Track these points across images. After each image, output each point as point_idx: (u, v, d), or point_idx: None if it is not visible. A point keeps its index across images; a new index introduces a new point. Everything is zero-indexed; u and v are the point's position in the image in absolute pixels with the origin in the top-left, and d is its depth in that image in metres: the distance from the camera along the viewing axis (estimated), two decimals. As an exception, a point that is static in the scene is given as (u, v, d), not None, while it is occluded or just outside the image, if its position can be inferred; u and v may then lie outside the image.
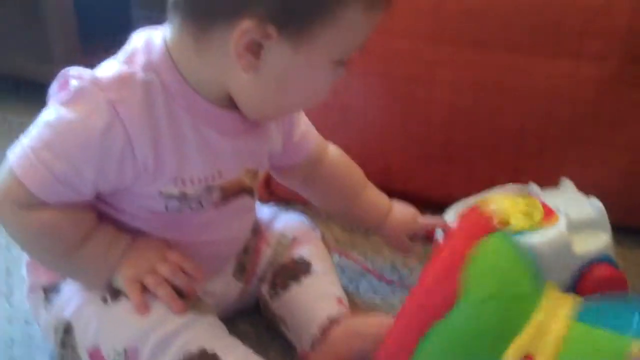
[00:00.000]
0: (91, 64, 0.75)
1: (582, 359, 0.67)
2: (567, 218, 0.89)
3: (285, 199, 1.15)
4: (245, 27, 0.68)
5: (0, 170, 0.73)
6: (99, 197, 0.76)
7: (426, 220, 0.96)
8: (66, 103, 0.71)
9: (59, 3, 1.53)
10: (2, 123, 1.53)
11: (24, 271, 0.86)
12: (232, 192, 0.82)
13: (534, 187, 0.98)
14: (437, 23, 1.06)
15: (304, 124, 0.93)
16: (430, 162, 1.11)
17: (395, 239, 0.97)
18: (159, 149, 0.73)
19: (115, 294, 0.77)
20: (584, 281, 0.89)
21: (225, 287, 0.89)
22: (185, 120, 0.74)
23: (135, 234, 0.79)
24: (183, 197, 0.77)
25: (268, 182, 1.14)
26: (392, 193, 1.09)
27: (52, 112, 0.72)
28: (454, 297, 0.70)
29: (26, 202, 0.73)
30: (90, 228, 0.77)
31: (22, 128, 0.73)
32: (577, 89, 1.03)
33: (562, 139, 1.05)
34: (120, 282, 0.77)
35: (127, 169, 0.73)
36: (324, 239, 0.97)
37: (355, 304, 0.94)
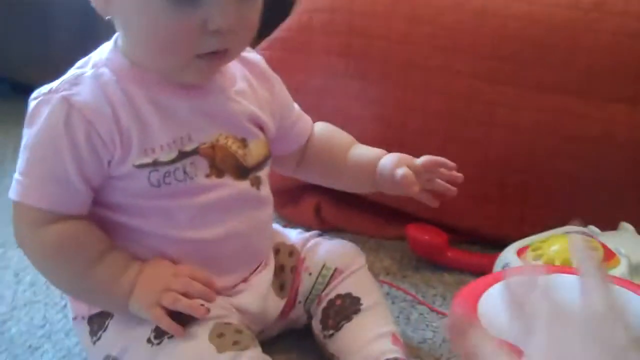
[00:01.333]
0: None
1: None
2: (628, 260, 0.90)
3: (336, 227, 1.16)
4: None
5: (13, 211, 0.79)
6: (95, 201, 0.79)
7: (425, 158, 0.91)
8: (29, 122, 0.77)
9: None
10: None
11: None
12: (224, 164, 0.82)
13: (593, 229, 0.98)
14: (496, 64, 1.08)
15: (296, 109, 0.96)
16: (485, 201, 1.12)
17: (391, 179, 0.90)
18: (121, 125, 0.77)
19: (159, 336, 0.78)
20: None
21: (263, 303, 0.88)
22: (139, 94, 0.78)
23: (138, 237, 0.81)
24: (157, 164, 0.78)
25: (319, 209, 1.16)
26: (445, 229, 1.11)
27: (24, 137, 0.78)
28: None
29: (41, 219, 0.77)
30: (105, 247, 0.79)
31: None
32: (632, 133, 1.04)
33: (619, 183, 1.06)
34: (138, 308, 0.79)
35: (99, 151, 0.77)
36: (370, 268, 0.95)
37: (406, 336, 0.94)
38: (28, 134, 0.78)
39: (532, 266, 0.85)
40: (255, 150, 0.85)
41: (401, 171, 0.87)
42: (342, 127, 0.98)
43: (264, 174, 0.87)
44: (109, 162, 0.77)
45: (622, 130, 1.04)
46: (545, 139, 1.08)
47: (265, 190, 0.87)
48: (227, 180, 0.82)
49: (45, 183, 0.76)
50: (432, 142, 1.11)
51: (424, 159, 0.90)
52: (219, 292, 0.82)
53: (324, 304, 0.90)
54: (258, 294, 0.87)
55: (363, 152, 0.96)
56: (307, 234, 0.97)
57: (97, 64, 0.79)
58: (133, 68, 0.79)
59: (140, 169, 0.77)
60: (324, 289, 0.91)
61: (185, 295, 0.77)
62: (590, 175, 1.07)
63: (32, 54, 1.85)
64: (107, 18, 0.78)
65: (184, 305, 0.76)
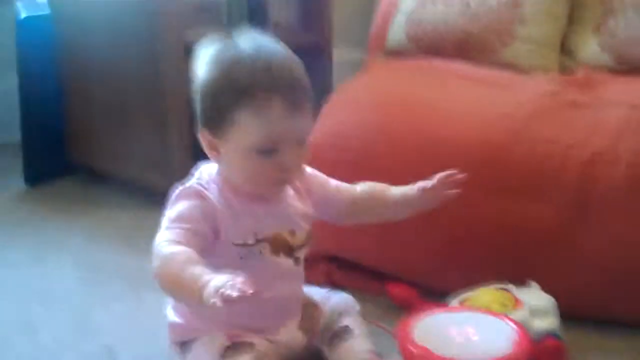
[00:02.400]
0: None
1: None
2: (529, 306, 1.37)
3: (341, 286, 1.58)
4: (202, 135, 1.23)
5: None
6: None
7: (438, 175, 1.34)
8: (175, 198, 1.23)
9: (181, 125, 1.99)
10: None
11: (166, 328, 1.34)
12: (280, 247, 1.27)
13: (510, 286, 1.45)
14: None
15: (334, 183, 1.38)
16: (444, 268, 1.56)
17: (424, 194, 1.35)
18: (223, 220, 1.21)
19: (227, 353, 1.22)
20: (539, 349, 1.34)
21: (292, 339, 1.33)
22: (234, 201, 1.23)
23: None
24: (245, 246, 1.23)
25: (330, 275, 1.62)
26: (415, 286, 1.57)
27: (175, 205, 1.22)
28: None
29: (169, 239, 1.16)
30: (194, 258, 1.11)
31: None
32: (539, 223, 1.49)
33: (532, 256, 1.51)
34: (205, 297, 1.03)
35: (215, 222, 1.20)
36: (360, 313, 1.41)
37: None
38: (177, 206, 1.21)
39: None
40: (299, 237, 1.30)
41: (430, 182, 1.33)
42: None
43: (302, 255, 1.33)
44: (217, 233, 1.21)
45: (532, 219, 1.50)
46: (481, 224, 1.53)
47: (302, 267, 1.34)
48: (281, 258, 1.27)
49: (178, 224, 1.18)
50: (410, 223, 1.55)
51: (438, 175, 1.33)
52: (261, 332, 1.27)
53: (330, 333, 1.36)
54: (289, 334, 1.33)
55: (399, 188, 1.37)
56: (324, 291, 1.42)
57: (208, 180, 1.25)
58: (231, 184, 1.24)
59: (234, 246, 1.23)
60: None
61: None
62: (511, 251, 1.52)
63: (110, 148, 2.21)
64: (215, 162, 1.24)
65: (228, 286, 1.01)
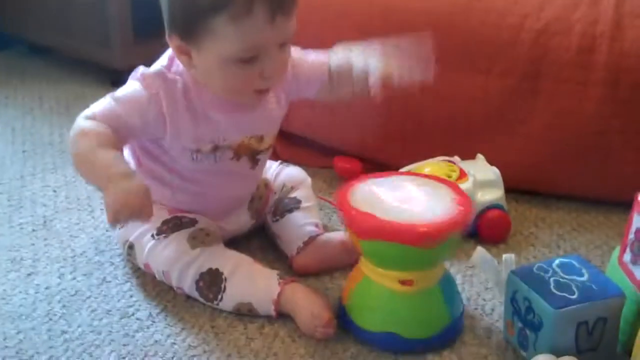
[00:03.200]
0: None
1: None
2: (473, 178, 1.35)
3: (288, 160, 1.54)
4: (170, 39, 1.11)
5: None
6: (156, 142, 1.18)
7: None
8: (130, 82, 1.15)
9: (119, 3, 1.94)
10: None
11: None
12: (244, 152, 1.22)
13: (456, 158, 1.43)
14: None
15: (310, 60, 1.26)
16: (389, 140, 1.55)
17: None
18: (178, 123, 1.14)
19: (160, 232, 1.20)
20: (482, 219, 1.35)
21: (241, 225, 1.33)
22: (197, 104, 1.15)
23: (170, 168, 1.20)
24: (199, 152, 1.17)
25: (274, 149, 1.58)
26: (361, 160, 1.55)
27: (129, 84, 1.16)
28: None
29: (88, 116, 1.11)
30: (110, 142, 1.08)
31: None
32: (488, 95, 1.47)
33: (481, 129, 1.49)
34: (105, 200, 1.03)
35: (159, 126, 1.13)
36: (311, 186, 1.40)
37: (328, 229, 1.36)
38: (129, 87, 1.14)
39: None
40: (267, 142, 1.25)
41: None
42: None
43: (264, 156, 1.27)
44: (163, 134, 1.14)
45: (480, 93, 1.47)
46: (432, 99, 1.49)
47: (259, 169, 1.28)
48: (241, 161, 1.22)
49: (112, 105, 1.12)
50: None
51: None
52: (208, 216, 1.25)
53: (277, 201, 1.35)
54: (235, 224, 1.31)
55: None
56: (275, 165, 1.41)
57: (176, 72, 1.15)
58: (198, 88, 1.14)
59: (187, 150, 1.17)
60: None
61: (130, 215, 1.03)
62: (461, 124, 1.49)
63: (49, 18, 2.11)
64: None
65: (121, 223, 1.11)
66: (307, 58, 1.27)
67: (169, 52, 1.18)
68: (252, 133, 1.22)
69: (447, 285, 1.11)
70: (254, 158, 1.25)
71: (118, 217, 1.02)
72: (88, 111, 1.13)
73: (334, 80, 1.26)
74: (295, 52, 1.22)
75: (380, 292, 1.08)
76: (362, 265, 1.11)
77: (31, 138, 1.74)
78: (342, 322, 1.12)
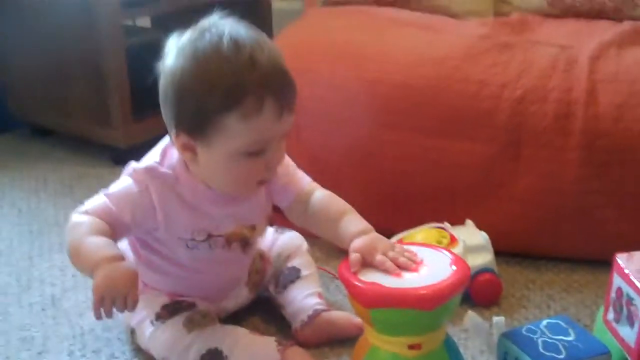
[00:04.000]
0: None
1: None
2: (463, 243, 1.41)
3: (282, 226, 1.56)
4: (176, 137, 1.14)
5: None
6: (151, 233, 1.22)
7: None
8: (122, 179, 1.20)
9: (119, 78, 2.00)
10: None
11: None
12: (235, 240, 1.26)
13: (446, 224, 1.49)
14: (385, 116, 1.58)
15: (285, 179, 1.27)
16: (380, 207, 1.60)
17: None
18: (171, 215, 1.18)
19: (158, 318, 1.24)
20: (474, 283, 1.40)
21: (240, 300, 1.37)
22: (189, 198, 1.19)
23: (165, 257, 1.24)
24: (193, 240, 1.22)
25: (273, 220, 1.64)
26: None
27: (117, 184, 1.20)
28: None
29: (82, 210, 1.18)
30: (100, 231, 1.12)
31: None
32: (473, 161, 1.53)
33: (468, 194, 1.55)
34: (94, 284, 1.04)
35: (150, 218, 1.18)
36: (309, 252, 1.43)
37: (326, 299, 1.39)
38: (120, 183, 1.18)
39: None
40: (259, 230, 1.30)
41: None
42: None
43: (255, 242, 1.31)
44: (155, 229, 1.19)
45: (466, 159, 1.53)
46: (419, 166, 1.56)
47: (251, 251, 1.31)
48: (232, 248, 1.25)
49: (106, 201, 1.16)
50: (348, 167, 1.61)
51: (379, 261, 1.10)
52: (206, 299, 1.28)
53: (277, 273, 1.38)
54: (234, 301, 1.36)
55: (352, 221, 1.21)
56: (270, 233, 1.43)
57: (167, 164, 1.19)
58: (189, 178, 1.18)
59: (181, 239, 1.21)
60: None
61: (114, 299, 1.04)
62: (448, 189, 1.56)
63: (49, 102, 2.19)
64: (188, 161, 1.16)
65: (106, 309, 1.04)
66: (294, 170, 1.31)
67: (162, 145, 1.23)
68: (245, 223, 1.27)
69: (451, 345, 1.14)
70: (245, 244, 1.29)
71: (103, 300, 1.03)
72: (82, 208, 1.17)
73: (309, 214, 1.27)
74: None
75: (390, 359, 1.10)
76: (368, 335, 1.12)
77: (37, 219, 1.79)
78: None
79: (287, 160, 1.28)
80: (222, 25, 1.12)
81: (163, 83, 1.14)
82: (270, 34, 2.38)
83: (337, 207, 1.25)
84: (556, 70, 1.53)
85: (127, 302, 1.05)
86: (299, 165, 1.54)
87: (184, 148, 1.15)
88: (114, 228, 1.15)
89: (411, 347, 1.08)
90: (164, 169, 1.19)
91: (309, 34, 1.84)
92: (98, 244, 1.10)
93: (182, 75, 1.10)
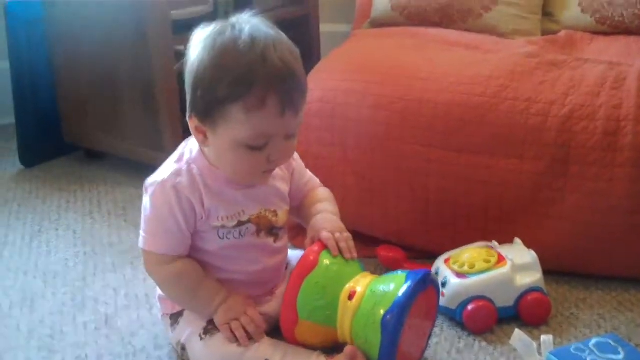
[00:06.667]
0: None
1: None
2: (512, 262, 1.41)
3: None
4: (190, 119, 1.21)
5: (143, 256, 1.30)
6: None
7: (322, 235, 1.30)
8: (151, 201, 1.25)
9: (170, 102, 2.04)
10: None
11: (156, 300, 1.41)
12: (263, 227, 1.31)
13: (494, 243, 1.48)
14: (431, 134, 1.58)
15: (308, 175, 1.42)
16: (428, 228, 1.61)
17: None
18: (204, 204, 1.24)
19: (206, 332, 1.28)
20: (523, 302, 1.39)
21: (278, 309, 1.37)
22: (214, 186, 1.25)
23: (218, 271, 1.31)
24: (224, 227, 1.27)
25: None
26: (403, 248, 1.61)
27: (146, 210, 1.27)
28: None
29: (162, 260, 1.26)
30: (201, 277, 1.28)
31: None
32: (521, 179, 1.52)
33: (516, 213, 1.54)
34: (217, 321, 1.27)
35: (193, 216, 1.25)
36: None
37: None
38: (149, 209, 1.25)
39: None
40: (282, 217, 1.35)
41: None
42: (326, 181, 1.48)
43: (283, 232, 1.37)
44: (197, 221, 1.25)
45: (513, 177, 1.53)
46: (465, 185, 1.56)
47: (282, 242, 1.37)
48: (262, 237, 1.32)
49: (161, 236, 1.25)
50: (394, 186, 1.62)
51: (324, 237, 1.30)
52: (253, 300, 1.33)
53: None
54: (278, 303, 1.36)
55: (319, 208, 1.38)
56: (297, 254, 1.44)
57: (188, 160, 1.25)
58: (212, 170, 1.25)
59: (215, 229, 1.27)
60: None
61: (244, 326, 1.25)
62: (496, 208, 1.56)
63: (103, 126, 2.24)
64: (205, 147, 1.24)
65: (240, 335, 1.25)
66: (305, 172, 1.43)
67: (179, 149, 1.30)
68: (267, 206, 1.32)
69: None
70: (272, 232, 1.34)
71: (228, 327, 1.25)
72: (156, 258, 1.27)
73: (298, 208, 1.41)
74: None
75: None
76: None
77: (91, 240, 1.84)
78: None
79: (301, 166, 1.41)
80: (246, 23, 1.18)
81: (185, 70, 1.21)
82: (318, 55, 2.42)
83: (316, 199, 1.40)
84: (605, 87, 1.52)
85: (249, 313, 1.27)
86: (345, 184, 1.57)
87: (197, 130, 1.22)
88: (187, 243, 1.28)
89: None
90: (184, 165, 1.25)
91: (356, 55, 1.86)
92: (205, 297, 1.29)
93: (199, 64, 1.17)
